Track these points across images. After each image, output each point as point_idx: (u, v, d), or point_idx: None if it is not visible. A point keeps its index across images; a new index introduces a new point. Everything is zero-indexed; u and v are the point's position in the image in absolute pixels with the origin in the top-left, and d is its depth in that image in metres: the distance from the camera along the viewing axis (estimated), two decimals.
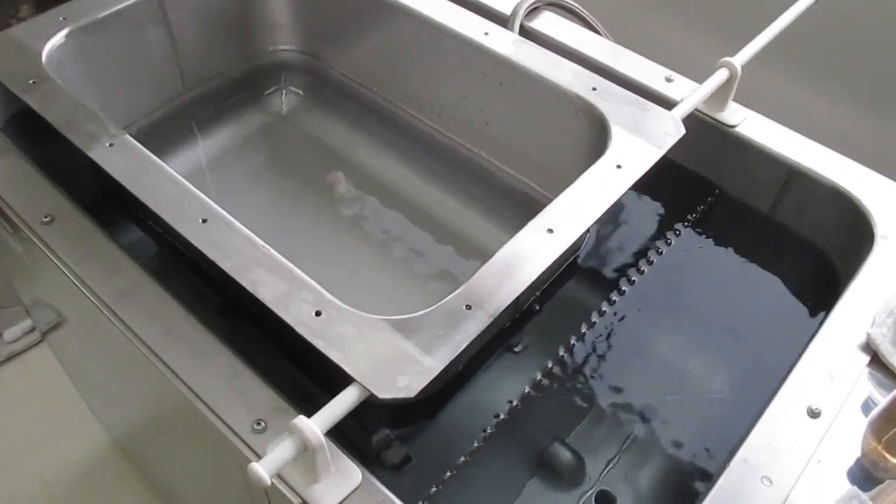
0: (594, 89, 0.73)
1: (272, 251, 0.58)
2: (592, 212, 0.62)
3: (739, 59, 0.77)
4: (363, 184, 0.90)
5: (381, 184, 0.89)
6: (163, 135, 0.90)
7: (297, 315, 0.54)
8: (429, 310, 0.55)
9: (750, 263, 0.76)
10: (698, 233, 0.78)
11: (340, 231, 0.85)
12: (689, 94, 0.75)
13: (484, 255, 0.82)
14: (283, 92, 0.99)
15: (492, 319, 0.55)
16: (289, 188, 0.89)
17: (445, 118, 0.87)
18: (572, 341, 0.68)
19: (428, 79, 0.86)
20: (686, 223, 0.78)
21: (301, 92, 0.99)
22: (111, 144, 0.65)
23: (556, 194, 0.82)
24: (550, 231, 0.61)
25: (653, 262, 0.74)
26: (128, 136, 0.66)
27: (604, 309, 0.70)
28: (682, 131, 0.70)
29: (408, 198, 0.88)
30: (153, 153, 0.89)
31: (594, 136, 0.73)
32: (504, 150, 0.84)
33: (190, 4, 0.87)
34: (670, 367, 0.67)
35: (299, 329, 0.54)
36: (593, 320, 0.69)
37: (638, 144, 0.68)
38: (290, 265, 0.57)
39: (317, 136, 0.95)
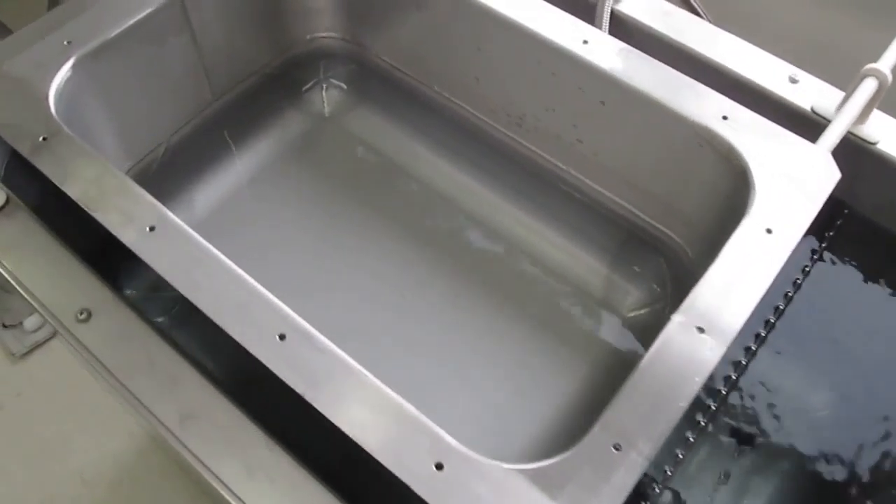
0: (725, 118, 0.60)
1: (371, 378, 0.48)
2: (747, 301, 0.51)
3: (886, 63, 0.64)
4: (426, 199, 0.78)
5: (450, 201, 0.78)
6: (194, 152, 0.78)
7: (413, 470, 0.45)
8: (569, 454, 0.46)
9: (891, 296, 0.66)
10: (831, 261, 0.68)
11: (408, 260, 0.74)
12: (834, 117, 0.62)
13: (585, 295, 0.72)
14: (324, 86, 0.85)
15: (648, 462, 0.46)
16: (341, 206, 0.78)
17: (526, 129, 0.75)
18: (711, 404, 0.59)
19: (505, 85, 0.73)
20: (814, 254, 0.68)
21: (344, 85, 0.86)
22: (152, 228, 0.54)
23: (662, 223, 0.71)
24: (701, 330, 0.50)
25: (782, 310, 0.64)
26: (170, 215, 0.54)
27: (742, 361, 0.61)
28: (837, 175, 0.58)
29: (484, 219, 0.76)
30: (185, 173, 0.78)
31: (723, 173, 0.61)
32: (600, 171, 0.72)
33: (214, 2, 0.72)
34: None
35: (419, 490, 0.44)
36: (733, 375, 0.60)
37: (786, 196, 0.56)
38: (398, 398, 0.47)
39: (368, 141, 0.82)
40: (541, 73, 0.68)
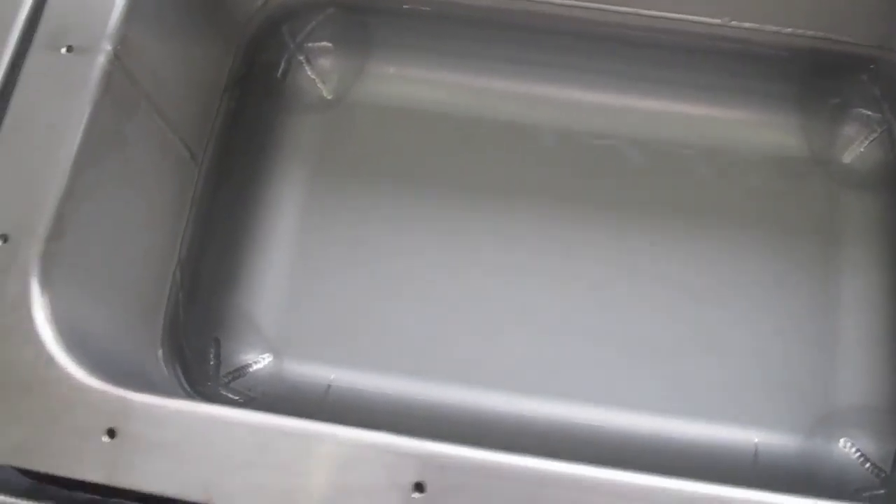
0: None
1: None
2: None
3: None
4: (532, 143, 0.56)
5: (566, 131, 0.56)
6: (215, 251, 0.52)
7: None
8: None
9: None
10: None
11: (561, 236, 0.54)
12: None
13: (790, 163, 0.54)
14: (303, 58, 0.58)
15: None
16: (436, 207, 0.55)
17: None
18: None
19: None
20: None
21: (330, 44, 0.58)
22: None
23: (855, 36, 0.54)
24: None
25: None
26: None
27: None
28: None
29: (617, 133, 0.56)
30: (223, 283, 0.53)
31: None
32: (768, 6, 0.52)
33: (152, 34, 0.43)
34: None
35: None
36: None
37: None
38: None
39: (404, 105, 0.57)
40: None
